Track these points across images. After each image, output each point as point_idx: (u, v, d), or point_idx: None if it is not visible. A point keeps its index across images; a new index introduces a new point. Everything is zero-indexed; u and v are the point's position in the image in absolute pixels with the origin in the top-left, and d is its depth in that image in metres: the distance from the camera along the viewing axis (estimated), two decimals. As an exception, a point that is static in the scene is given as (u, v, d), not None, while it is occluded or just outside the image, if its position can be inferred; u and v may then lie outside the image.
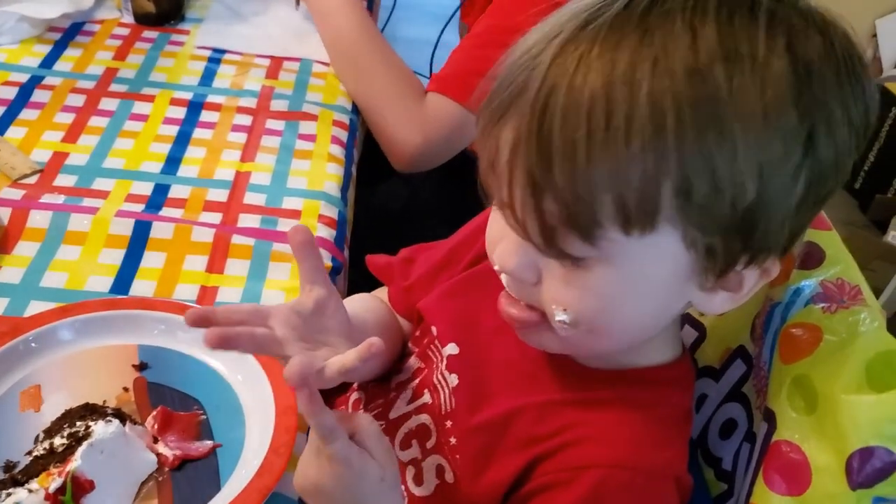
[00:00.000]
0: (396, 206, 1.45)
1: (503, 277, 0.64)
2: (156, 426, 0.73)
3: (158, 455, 0.70)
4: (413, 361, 0.79)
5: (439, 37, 1.51)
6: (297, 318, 0.67)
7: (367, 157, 1.29)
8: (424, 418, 0.75)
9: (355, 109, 1.22)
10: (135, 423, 0.72)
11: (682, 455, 0.67)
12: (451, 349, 0.74)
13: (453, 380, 0.73)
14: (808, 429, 0.62)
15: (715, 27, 0.52)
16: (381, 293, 0.87)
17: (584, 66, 0.53)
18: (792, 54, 0.53)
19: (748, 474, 0.68)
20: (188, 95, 1.16)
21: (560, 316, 0.60)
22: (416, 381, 0.77)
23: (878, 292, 2.45)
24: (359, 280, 0.97)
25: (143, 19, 1.30)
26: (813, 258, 0.69)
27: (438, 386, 0.74)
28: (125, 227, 0.92)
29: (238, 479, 0.69)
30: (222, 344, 0.63)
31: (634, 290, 0.59)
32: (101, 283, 0.86)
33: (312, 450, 0.63)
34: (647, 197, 0.53)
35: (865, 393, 0.59)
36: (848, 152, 0.57)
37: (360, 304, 0.82)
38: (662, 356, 0.69)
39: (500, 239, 0.62)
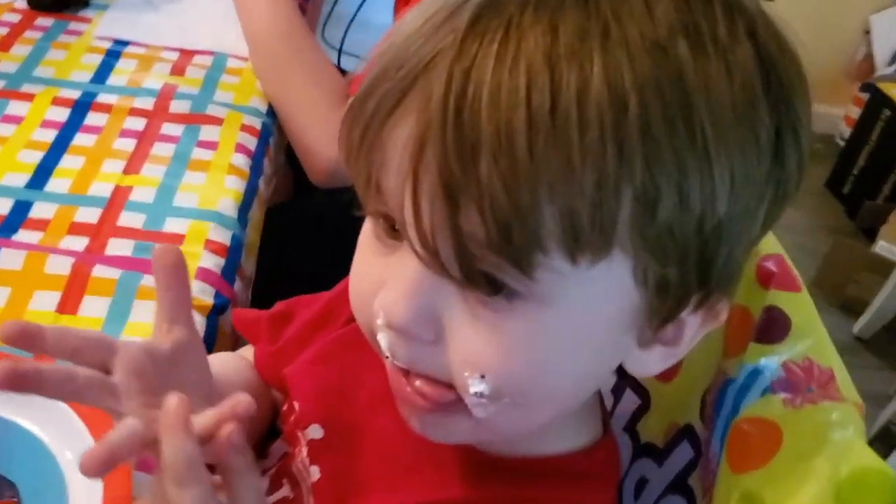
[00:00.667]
0: (332, 215, 1.30)
1: (382, 340, 0.46)
2: (-50, 521, 0.58)
3: (-53, 562, 0.56)
4: (279, 445, 0.63)
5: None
6: (147, 362, 0.50)
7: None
8: None
9: (271, 112, 1.07)
10: (-81, 520, 0.57)
11: None
12: (314, 432, 0.59)
13: (314, 473, 0.57)
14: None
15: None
16: (249, 353, 0.71)
17: (514, 35, 0.40)
18: (754, 41, 0.43)
19: None
20: (75, 94, 1.01)
21: (476, 386, 0.44)
22: (275, 469, 0.62)
23: (863, 305, 2.32)
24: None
25: (38, 4, 1.15)
26: (776, 328, 0.54)
27: (298, 477, 0.59)
28: (-35, 255, 0.77)
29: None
30: (17, 382, 0.46)
31: (574, 343, 0.45)
32: (-77, 325, 0.71)
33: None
34: (604, 211, 0.40)
35: (834, 525, 0.45)
36: (805, 165, 0.46)
37: (225, 365, 0.66)
38: (578, 439, 0.55)
39: (381, 283, 0.46)
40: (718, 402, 0.57)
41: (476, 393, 0.45)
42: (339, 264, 0.81)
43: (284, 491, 0.60)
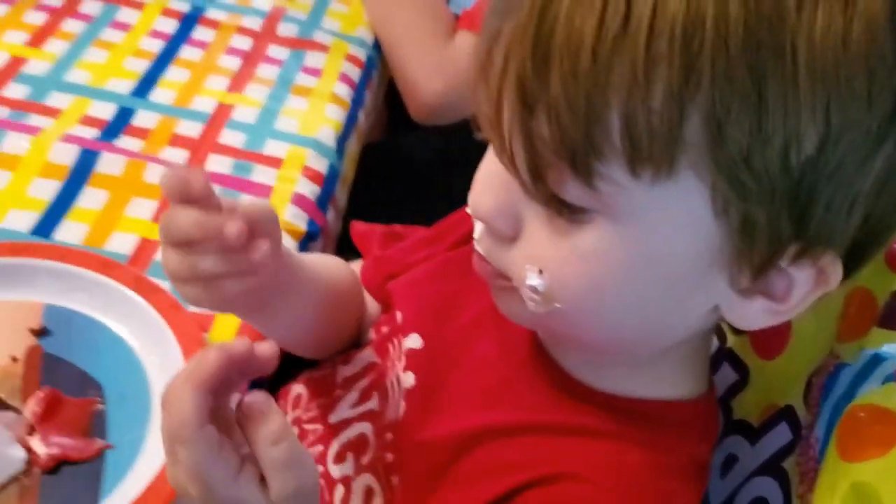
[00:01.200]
0: (425, 158, 1.29)
1: (476, 229, 0.50)
2: (37, 412, 0.58)
3: (30, 451, 0.57)
4: (366, 354, 0.65)
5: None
6: None
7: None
8: (365, 427, 0.61)
9: (376, 45, 1.05)
10: (6, 408, 0.58)
11: None
12: (413, 341, 0.60)
13: (408, 379, 0.58)
14: (863, 555, 0.45)
15: None
16: (357, 267, 0.71)
17: None
18: None
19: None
20: (184, 7, 1.00)
21: (532, 280, 0.46)
22: (366, 380, 0.63)
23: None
24: (350, 254, 0.81)
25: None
26: (903, 313, 0.51)
27: (391, 389, 0.60)
28: (68, 156, 0.78)
29: (122, 494, 0.55)
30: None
31: (638, 263, 0.45)
32: (23, 219, 0.72)
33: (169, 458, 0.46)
34: (667, 123, 0.39)
35: (954, 527, 0.42)
36: None
37: (326, 263, 0.68)
38: (679, 390, 0.54)
39: (483, 178, 0.48)
40: (828, 387, 0.54)
41: (531, 286, 0.46)
42: (427, 205, 0.80)
43: (372, 404, 0.61)
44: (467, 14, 1.03)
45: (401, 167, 1.21)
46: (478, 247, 0.50)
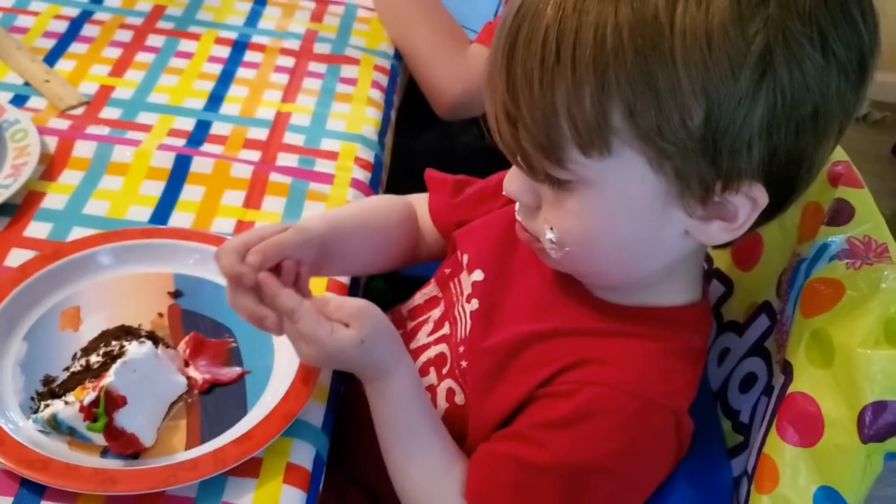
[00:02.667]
0: (434, 155, 1.45)
1: (516, 206, 0.69)
2: (188, 351, 0.75)
3: (189, 378, 0.73)
4: (430, 289, 0.83)
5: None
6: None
7: (407, 104, 1.30)
8: (442, 347, 0.78)
9: (397, 55, 1.22)
10: (167, 347, 0.74)
11: (684, 392, 0.68)
12: (477, 275, 0.77)
13: (474, 304, 0.76)
14: (823, 382, 0.62)
15: None
16: (418, 202, 0.90)
17: (543, 1, 0.57)
18: None
19: (763, 426, 0.68)
20: (233, 35, 1.17)
21: (548, 234, 0.65)
22: (437, 311, 0.80)
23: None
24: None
25: (192, -42, 1.31)
26: (842, 215, 0.68)
27: (458, 316, 0.77)
28: (166, 161, 0.94)
29: (264, 404, 0.71)
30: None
31: (612, 212, 0.62)
32: (141, 212, 0.89)
33: (286, 330, 0.68)
34: (598, 120, 0.57)
35: (883, 348, 0.60)
36: (830, 79, 0.57)
37: (372, 208, 0.88)
38: (677, 298, 0.71)
39: (511, 169, 0.67)
40: (793, 278, 0.71)
41: (548, 239, 0.65)
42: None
43: (445, 329, 0.78)
44: (485, 29, 1.21)
45: (411, 167, 1.36)
46: (518, 216, 0.69)
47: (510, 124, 0.61)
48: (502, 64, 0.60)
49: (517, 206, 0.68)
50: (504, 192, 0.68)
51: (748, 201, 0.60)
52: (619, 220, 0.62)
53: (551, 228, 0.64)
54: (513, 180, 0.66)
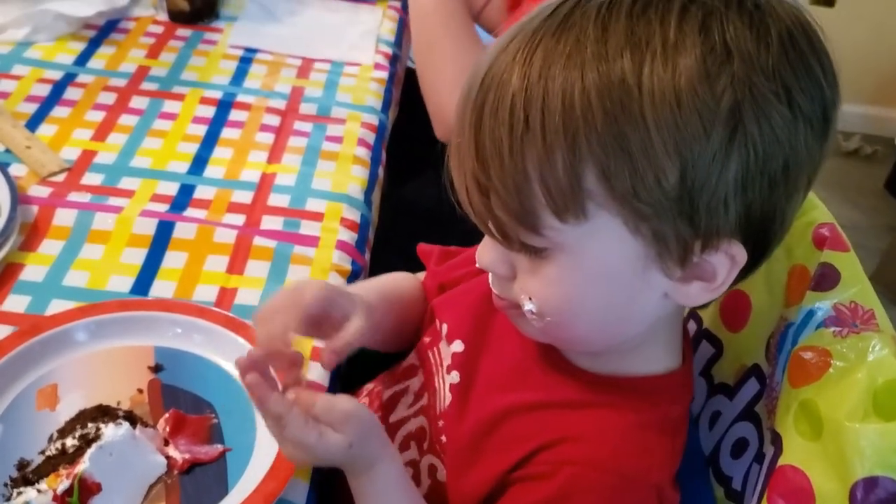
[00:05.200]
0: (424, 204, 1.45)
1: (489, 275, 0.67)
2: (167, 429, 0.74)
3: (168, 458, 0.71)
4: (410, 358, 0.82)
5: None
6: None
7: (400, 152, 1.29)
8: (421, 420, 0.77)
9: (385, 109, 1.22)
10: (146, 426, 0.73)
11: (664, 465, 0.67)
12: (457, 346, 0.76)
13: (454, 377, 0.75)
14: (813, 455, 0.61)
15: (625, 22, 0.55)
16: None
17: (507, 71, 0.57)
18: (706, 35, 0.54)
19: (755, 496, 0.67)
20: (218, 94, 1.17)
21: (528, 305, 0.63)
22: (416, 382, 0.79)
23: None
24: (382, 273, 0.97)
25: (177, 17, 1.31)
26: (827, 280, 0.68)
27: (438, 387, 0.76)
28: (149, 227, 0.94)
29: (246, 483, 0.70)
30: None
31: (591, 279, 0.61)
32: (122, 282, 0.88)
33: (272, 431, 0.66)
34: (571, 184, 0.56)
35: (872, 422, 0.58)
36: (797, 131, 0.57)
37: (397, 281, 0.87)
38: (656, 366, 0.69)
39: (484, 239, 0.66)
40: (781, 342, 0.70)
41: (528, 310, 0.63)
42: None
43: (423, 401, 0.78)
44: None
45: (403, 215, 1.36)
46: (493, 287, 0.67)
47: (481, 194, 0.59)
48: (470, 135, 0.59)
49: (490, 276, 0.67)
50: (477, 265, 0.67)
51: (727, 259, 0.59)
52: (599, 285, 0.61)
53: (530, 299, 0.63)
54: (485, 252, 0.65)
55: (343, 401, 0.66)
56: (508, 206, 0.58)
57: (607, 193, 0.56)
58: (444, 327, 0.78)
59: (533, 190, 0.57)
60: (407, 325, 0.85)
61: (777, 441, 0.64)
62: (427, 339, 0.81)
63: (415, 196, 1.42)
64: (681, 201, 0.56)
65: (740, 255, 0.59)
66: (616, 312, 0.63)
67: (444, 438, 0.73)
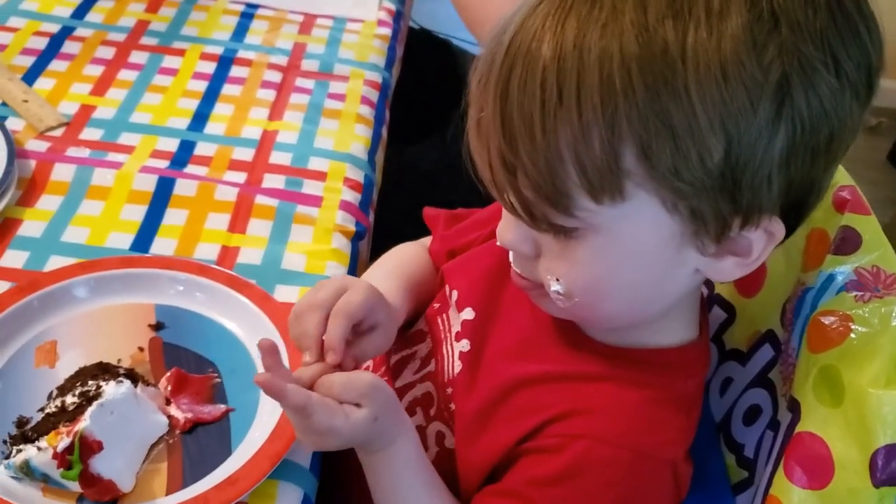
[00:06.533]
0: (427, 168, 1.43)
1: (510, 253, 0.64)
2: (169, 388, 0.72)
3: (170, 417, 0.70)
4: (418, 323, 0.79)
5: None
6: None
7: (403, 115, 1.27)
8: (428, 386, 0.75)
9: (388, 66, 1.19)
10: (147, 385, 0.71)
11: (678, 441, 0.65)
12: (467, 314, 0.74)
13: (464, 345, 0.72)
14: (832, 422, 0.60)
15: None
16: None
17: (537, 39, 0.53)
18: (752, 2, 0.51)
19: (769, 464, 0.66)
20: (219, 50, 1.14)
21: (554, 286, 0.60)
22: (423, 348, 0.77)
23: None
24: (384, 241, 0.95)
25: (177, -30, 1.28)
26: (849, 243, 0.66)
27: (446, 354, 0.74)
28: (149, 183, 0.91)
29: (249, 444, 0.69)
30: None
31: (624, 259, 0.58)
32: (122, 239, 0.86)
33: (296, 425, 0.63)
34: (609, 164, 0.52)
35: (895, 388, 0.57)
36: (844, 101, 0.54)
37: (408, 254, 0.84)
38: (673, 338, 0.68)
39: (505, 215, 0.62)
40: (798, 308, 0.69)
41: (555, 291, 0.60)
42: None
43: (431, 367, 0.76)
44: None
45: (407, 178, 1.34)
46: (514, 266, 0.64)
47: (508, 172, 0.55)
48: (495, 108, 0.54)
49: (511, 254, 0.64)
50: (498, 243, 0.63)
51: (764, 235, 0.57)
52: (632, 265, 0.59)
53: (557, 280, 0.60)
54: (508, 230, 0.61)
55: (360, 374, 0.63)
56: (539, 186, 0.54)
57: (646, 173, 0.52)
58: (455, 294, 0.76)
59: (567, 170, 0.53)
60: (422, 306, 0.82)
61: (795, 407, 0.63)
62: (436, 306, 0.79)
63: (418, 160, 1.40)
64: (723, 179, 0.53)
65: (779, 230, 0.57)
66: (646, 291, 0.61)
67: (452, 406, 0.71)
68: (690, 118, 0.51)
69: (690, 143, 0.51)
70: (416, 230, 0.89)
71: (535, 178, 0.54)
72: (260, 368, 0.74)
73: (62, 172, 0.91)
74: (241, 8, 1.24)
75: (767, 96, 0.51)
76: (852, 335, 0.60)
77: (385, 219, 1.05)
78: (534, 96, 0.52)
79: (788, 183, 0.55)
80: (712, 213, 0.55)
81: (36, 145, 0.94)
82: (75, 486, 0.63)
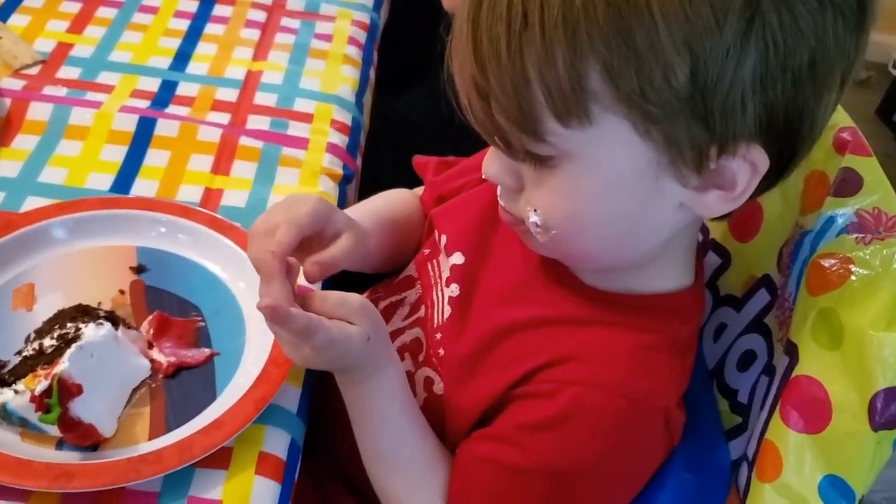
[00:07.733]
0: (416, 118, 1.40)
1: (498, 188, 0.64)
2: (151, 331, 0.70)
3: (152, 361, 0.68)
4: (409, 269, 0.78)
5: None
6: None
7: (391, 63, 1.24)
8: (417, 332, 0.74)
9: (376, 7, 1.16)
10: (129, 328, 0.69)
11: (670, 387, 0.64)
12: (457, 259, 0.72)
13: (454, 289, 0.71)
14: (831, 365, 0.58)
15: None
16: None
17: None
18: None
19: (764, 409, 0.65)
20: (201, -12, 1.11)
21: (532, 217, 0.59)
22: (413, 294, 0.76)
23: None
24: (371, 188, 0.93)
25: None
26: (849, 185, 0.64)
27: (436, 299, 0.73)
28: (129, 123, 0.89)
29: (234, 388, 0.67)
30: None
31: (600, 187, 0.57)
32: (101, 180, 0.83)
33: (291, 345, 0.62)
34: (573, 85, 0.51)
35: (895, 331, 0.56)
36: (825, 21, 0.52)
37: (396, 200, 0.83)
38: (667, 283, 0.66)
39: (490, 149, 0.62)
40: (795, 251, 0.67)
41: (533, 222, 0.59)
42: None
43: (420, 313, 0.74)
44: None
45: (395, 128, 1.32)
46: (500, 201, 0.63)
47: (482, 99, 0.55)
48: (468, 33, 0.54)
49: (499, 189, 0.63)
50: (484, 176, 0.63)
51: (747, 166, 0.55)
52: (608, 195, 0.57)
53: (535, 210, 0.59)
54: (492, 163, 0.61)
55: (353, 294, 0.63)
56: (509, 110, 0.54)
57: (612, 94, 0.51)
58: (444, 239, 0.74)
59: (533, 92, 0.52)
60: (405, 246, 0.81)
61: (792, 351, 0.61)
62: (426, 251, 0.78)
63: (407, 108, 1.37)
64: (693, 101, 0.51)
65: (762, 161, 0.55)
66: (626, 225, 0.59)
67: (441, 352, 0.70)
68: (653, 36, 0.49)
69: (654, 63, 0.50)
70: (404, 180, 0.87)
71: (505, 103, 0.54)
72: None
73: (38, 111, 0.88)
74: (224, -55, 1.20)
75: (734, 13, 0.49)
76: (853, 277, 0.59)
77: (371, 167, 1.03)
78: (501, 18, 0.52)
79: (768, 109, 0.53)
80: (687, 138, 0.53)
81: (11, 83, 0.91)
82: (54, 431, 0.61)
